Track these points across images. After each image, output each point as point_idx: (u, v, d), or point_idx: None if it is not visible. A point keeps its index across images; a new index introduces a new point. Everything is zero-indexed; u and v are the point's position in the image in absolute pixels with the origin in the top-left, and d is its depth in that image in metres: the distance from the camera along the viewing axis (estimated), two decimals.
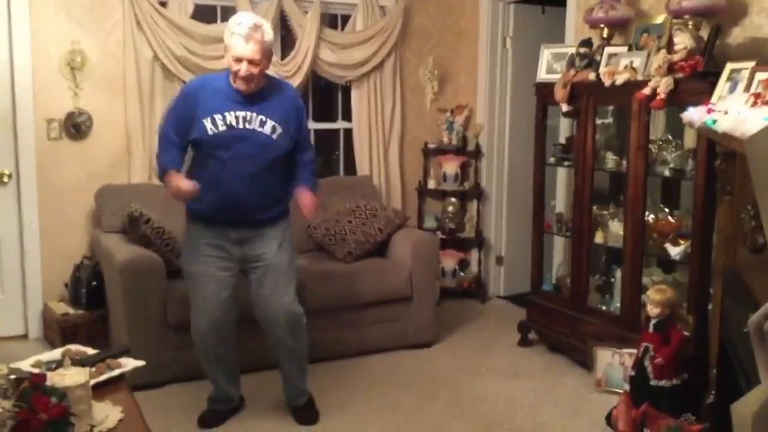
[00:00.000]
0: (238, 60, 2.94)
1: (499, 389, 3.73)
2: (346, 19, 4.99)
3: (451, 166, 5.20)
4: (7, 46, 4.09)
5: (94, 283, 4.00)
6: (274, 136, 3.06)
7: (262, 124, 3.04)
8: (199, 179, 2.99)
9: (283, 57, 4.66)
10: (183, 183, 2.97)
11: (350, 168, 5.12)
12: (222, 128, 2.99)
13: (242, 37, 2.93)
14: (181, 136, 3.05)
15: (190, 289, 3.19)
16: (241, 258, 3.15)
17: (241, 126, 3.01)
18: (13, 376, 2.06)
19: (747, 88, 2.80)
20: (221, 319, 3.17)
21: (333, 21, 4.99)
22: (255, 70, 2.96)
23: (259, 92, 3.04)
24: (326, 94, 5.17)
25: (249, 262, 3.16)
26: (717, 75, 3.16)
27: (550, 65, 4.16)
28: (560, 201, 4.52)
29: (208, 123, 2.99)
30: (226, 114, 3.00)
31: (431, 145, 5.25)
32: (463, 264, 5.32)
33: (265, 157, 3.05)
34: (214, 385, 3.31)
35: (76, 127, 4.25)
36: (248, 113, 3.02)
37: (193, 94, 3.06)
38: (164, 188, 3.07)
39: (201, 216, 3.10)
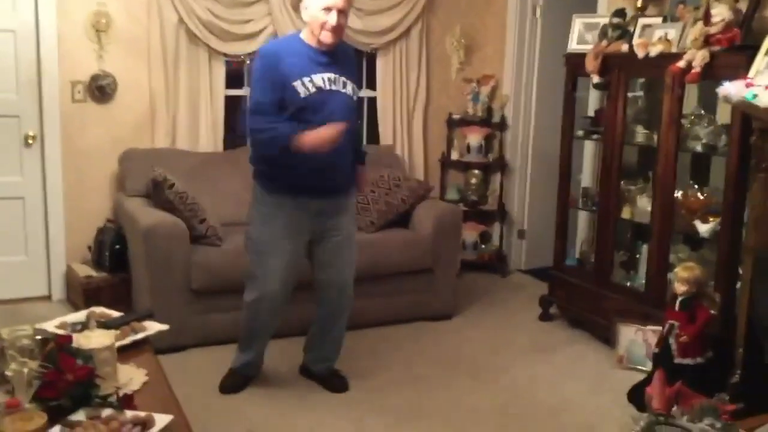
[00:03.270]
0: (328, 9, 2.84)
1: (519, 363, 3.71)
2: None
3: (475, 137, 5.14)
4: (32, 8, 4.07)
5: (117, 246, 4.02)
6: (355, 97, 3.05)
7: (344, 84, 2.99)
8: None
9: None
10: (327, 130, 2.82)
11: (373, 137, 5.07)
12: (312, 90, 2.89)
13: None
14: (278, 101, 2.89)
15: (257, 257, 3.08)
16: (315, 230, 3.08)
17: (328, 87, 2.94)
18: (38, 337, 2.08)
19: None
20: (286, 290, 3.12)
21: None
22: (343, 21, 2.90)
23: (333, 52, 2.96)
24: None
25: (323, 232, 3.10)
26: (755, 48, 3.07)
27: (581, 35, 4.07)
28: (586, 175, 4.46)
29: (299, 86, 2.87)
30: (313, 76, 2.90)
31: (456, 116, 5.18)
32: (485, 237, 5.28)
33: (350, 117, 3.02)
34: (248, 352, 3.28)
35: (100, 89, 4.24)
36: (332, 74, 2.95)
37: (274, 56, 2.92)
38: (301, 147, 2.84)
39: (285, 186, 2.98)
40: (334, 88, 2.96)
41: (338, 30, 2.91)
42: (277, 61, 2.90)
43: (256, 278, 3.11)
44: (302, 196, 3.01)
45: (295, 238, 3.07)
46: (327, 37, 2.90)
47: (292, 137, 2.83)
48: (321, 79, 2.92)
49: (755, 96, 2.40)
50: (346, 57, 3.10)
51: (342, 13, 2.89)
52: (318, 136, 2.82)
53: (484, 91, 5.14)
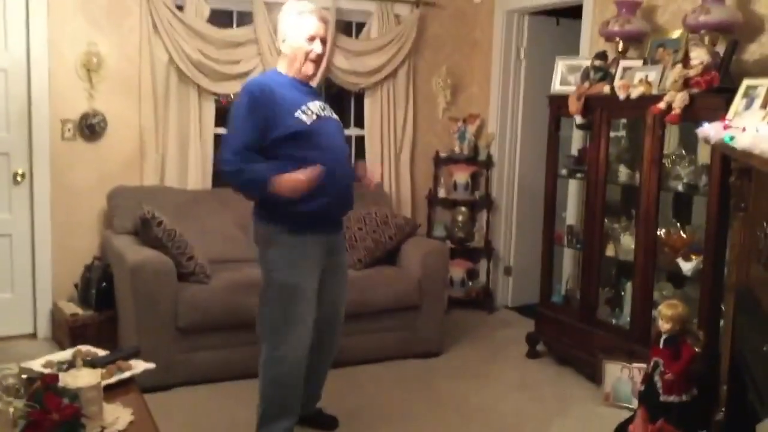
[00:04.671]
0: (312, 39, 2.86)
1: (506, 401, 3.71)
2: (360, 26, 5.02)
3: (461, 175, 5.20)
4: (24, 47, 4.12)
5: (104, 284, 4.00)
6: (341, 124, 3.10)
7: (332, 112, 3.02)
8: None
9: None
10: (306, 172, 2.73)
11: None
12: (314, 117, 2.88)
13: (314, 14, 2.88)
14: (259, 143, 2.81)
15: (286, 305, 2.90)
16: (325, 268, 3.00)
17: (324, 115, 2.94)
18: (24, 376, 2.07)
19: (764, 105, 2.80)
20: (312, 335, 3.00)
21: (348, 28, 5.01)
22: (325, 51, 2.93)
23: (310, 85, 3.00)
24: (339, 101, 5.18)
25: (331, 268, 3.04)
26: (733, 91, 3.15)
27: (564, 77, 4.16)
28: (571, 213, 4.51)
29: (301, 114, 2.84)
30: (309, 104, 2.89)
31: (442, 154, 5.25)
32: (472, 274, 5.31)
33: (344, 141, 3.08)
34: (288, 417, 3.02)
35: (90, 128, 4.27)
36: (321, 103, 2.97)
37: (267, 91, 2.84)
38: (277, 191, 2.76)
39: (310, 221, 2.87)
40: (327, 114, 2.97)
41: (321, 59, 2.94)
42: (272, 97, 2.83)
43: (288, 329, 2.91)
44: (324, 229, 2.95)
45: (317, 278, 2.98)
46: (310, 68, 2.92)
47: (271, 179, 2.74)
48: (315, 106, 2.93)
49: (733, 138, 2.45)
50: (318, 92, 3.15)
51: (324, 42, 2.92)
52: (296, 178, 2.74)
53: (470, 130, 5.22)
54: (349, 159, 3.04)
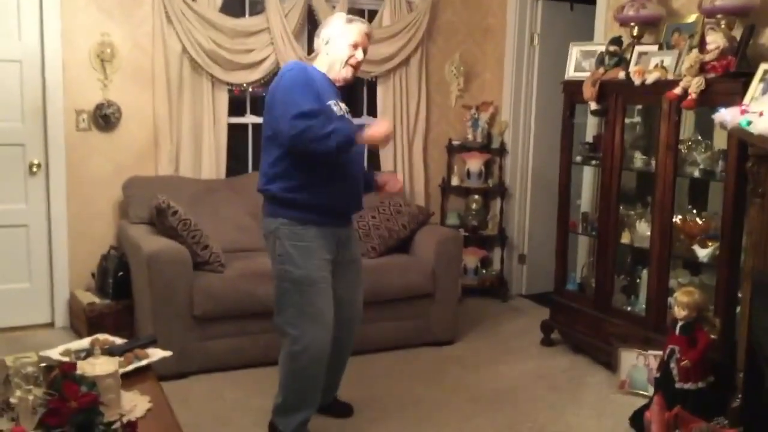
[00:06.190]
0: (355, 46, 2.94)
1: (521, 388, 3.71)
2: (373, 14, 4.99)
3: (475, 163, 5.18)
4: (38, 38, 4.14)
5: (121, 273, 4.03)
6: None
7: (350, 114, 3.10)
8: (328, 173, 2.86)
9: (309, 52, 4.66)
10: (381, 125, 2.83)
11: (374, 163, 5.12)
12: (342, 113, 2.95)
13: (361, 24, 2.99)
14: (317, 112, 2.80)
15: (304, 297, 2.90)
16: (337, 260, 3.01)
17: (347, 117, 3.01)
18: (43, 364, 2.09)
19: None
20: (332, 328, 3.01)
21: (360, 16, 4.97)
22: (363, 60, 3.00)
23: (338, 89, 3.04)
24: (351, 90, 5.16)
25: (344, 262, 3.05)
26: (750, 76, 3.12)
27: (578, 63, 4.13)
28: (586, 200, 4.49)
29: (333, 105, 2.91)
30: (339, 102, 2.97)
31: (455, 142, 5.23)
32: (486, 262, 5.30)
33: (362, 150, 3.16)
34: (308, 408, 3.03)
35: (105, 118, 4.29)
36: (343, 104, 3.02)
37: (310, 74, 2.90)
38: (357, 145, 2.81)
39: (316, 211, 2.90)
40: (348, 116, 3.04)
41: (359, 66, 3.00)
42: (312, 77, 2.90)
43: (306, 323, 2.91)
44: (335, 222, 2.97)
45: (330, 270, 2.98)
46: (349, 72, 2.97)
47: (354, 130, 2.77)
48: (340, 106, 2.99)
49: (750, 123, 2.44)
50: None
51: (364, 51, 2.99)
52: (376, 130, 2.80)
53: (483, 118, 5.20)
54: (363, 166, 3.12)
